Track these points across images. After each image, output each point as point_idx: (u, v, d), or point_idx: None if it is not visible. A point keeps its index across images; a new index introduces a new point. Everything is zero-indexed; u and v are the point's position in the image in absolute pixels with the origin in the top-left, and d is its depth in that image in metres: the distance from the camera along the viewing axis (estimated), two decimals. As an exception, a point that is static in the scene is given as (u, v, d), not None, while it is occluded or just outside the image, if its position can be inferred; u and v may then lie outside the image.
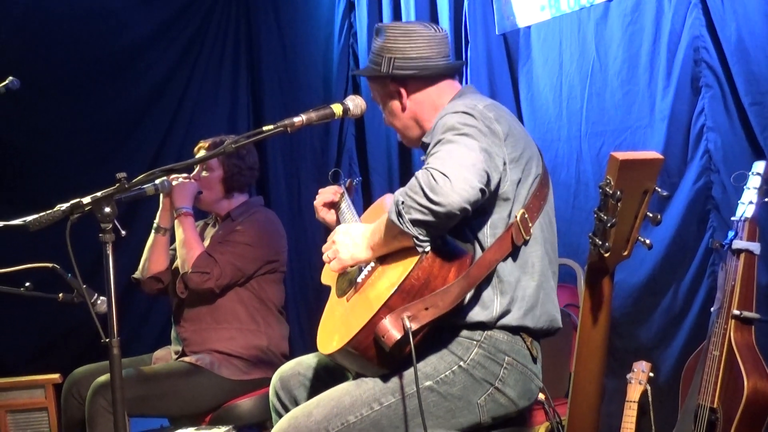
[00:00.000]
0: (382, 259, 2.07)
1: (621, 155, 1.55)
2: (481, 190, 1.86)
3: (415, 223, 1.86)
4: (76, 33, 4.37)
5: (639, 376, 2.93)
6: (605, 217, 1.59)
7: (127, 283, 3.42)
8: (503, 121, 2.05)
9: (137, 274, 3.33)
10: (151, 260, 3.27)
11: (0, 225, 2.14)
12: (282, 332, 3.32)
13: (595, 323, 1.73)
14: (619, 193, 1.56)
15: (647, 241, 1.63)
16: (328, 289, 2.35)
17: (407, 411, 2.01)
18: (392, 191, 2.10)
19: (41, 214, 2.00)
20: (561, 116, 3.54)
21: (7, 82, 2.81)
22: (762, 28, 2.87)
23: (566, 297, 3.31)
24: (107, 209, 1.97)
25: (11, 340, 4.25)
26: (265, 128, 2.12)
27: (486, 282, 2.04)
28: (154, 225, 3.26)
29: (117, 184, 1.99)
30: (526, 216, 2.06)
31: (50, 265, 2.39)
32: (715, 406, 2.55)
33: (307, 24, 4.68)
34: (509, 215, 2.07)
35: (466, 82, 3.72)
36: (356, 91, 4.43)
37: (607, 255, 1.63)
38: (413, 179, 1.88)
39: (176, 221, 3.18)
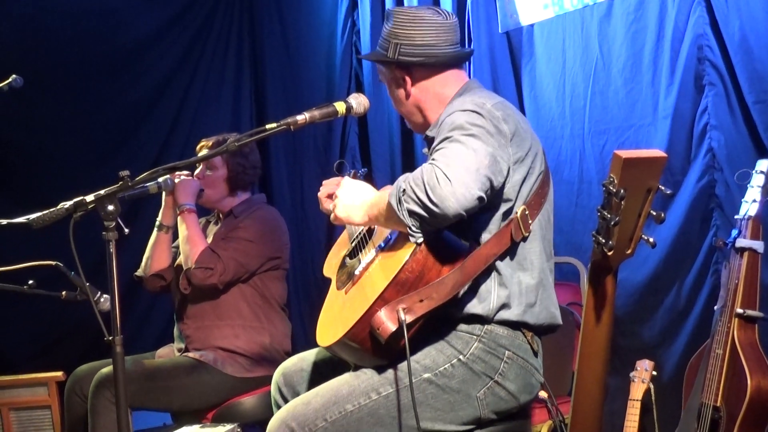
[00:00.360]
0: (380, 251, 2.09)
1: (624, 153, 1.55)
2: (480, 198, 1.87)
3: (411, 213, 1.87)
4: (80, 31, 4.38)
5: (642, 375, 2.92)
6: (608, 216, 1.59)
7: (129, 281, 3.42)
8: (510, 120, 2.05)
9: (140, 272, 3.33)
10: (153, 258, 3.27)
11: (3, 223, 2.14)
12: (284, 329, 3.32)
13: (599, 321, 1.72)
14: (622, 191, 1.55)
15: (651, 240, 1.63)
16: (329, 285, 2.35)
17: (405, 402, 2.01)
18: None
19: (44, 212, 2.00)
20: (564, 114, 3.54)
21: (10, 80, 2.81)
22: (766, 26, 2.87)
23: (569, 295, 3.31)
24: (110, 207, 1.97)
25: (14, 338, 4.26)
26: (268, 126, 2.12)
27: (484, 276, 2.04)
28: (157, 223, 3.26)
29: (120, 182, 2.00)
30: (527, 213, 2.06)
31: (53, 262, 2.40)
32: (718, 404, 2.55)
33: (310, 22, 4.68)
34: (510, 211, 2.07)
35: (470, 80, 3.71)
36: (359, 89, 4.44)
37: (610, 253, 1.62)
38: (419, 170, 1.89)
39: (179, 218, 3.17)
